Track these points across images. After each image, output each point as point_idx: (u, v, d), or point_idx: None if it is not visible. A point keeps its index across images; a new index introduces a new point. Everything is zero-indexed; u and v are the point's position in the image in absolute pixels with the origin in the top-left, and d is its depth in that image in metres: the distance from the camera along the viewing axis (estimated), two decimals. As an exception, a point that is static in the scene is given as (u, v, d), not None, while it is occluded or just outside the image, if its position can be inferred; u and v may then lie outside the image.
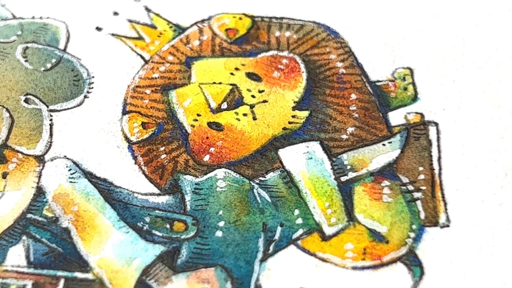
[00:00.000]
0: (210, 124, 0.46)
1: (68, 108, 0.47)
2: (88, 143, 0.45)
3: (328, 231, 0.41)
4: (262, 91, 0.48)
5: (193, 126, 0.46)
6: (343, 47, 0.50)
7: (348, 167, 0.44)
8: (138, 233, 0.41)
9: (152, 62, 0.50)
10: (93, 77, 0.49)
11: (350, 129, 0.46)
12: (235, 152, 0.45)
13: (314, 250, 0.41)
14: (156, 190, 0.43)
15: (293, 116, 0.47)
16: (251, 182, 0.43)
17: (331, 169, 0.44)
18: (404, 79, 0.48)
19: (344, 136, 0.46)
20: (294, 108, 0.47)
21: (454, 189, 0.43)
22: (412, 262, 0.40)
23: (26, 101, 0.47)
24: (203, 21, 0.52)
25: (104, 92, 0.48)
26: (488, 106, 0.47)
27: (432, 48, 0.50)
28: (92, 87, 0.48)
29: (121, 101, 0.47)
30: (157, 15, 0.53)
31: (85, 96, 0.48)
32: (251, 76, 0.49)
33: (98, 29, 0.52)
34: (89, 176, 0.44)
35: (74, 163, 0.44)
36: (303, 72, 0.49)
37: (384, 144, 0.45)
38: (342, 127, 0.46)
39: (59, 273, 0.40)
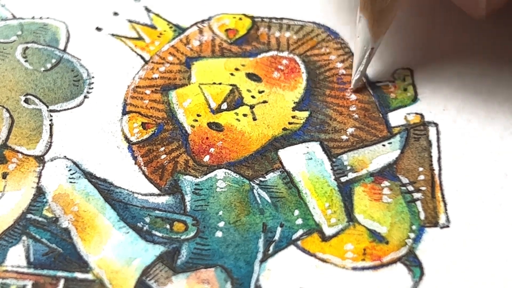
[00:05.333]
0: (210, 125, 0.46)
1: (68, 108, 0.47)
2: (88, 144, 0.45)
3: (328, 231, 0.41)
4: (262, 91, 0.48)
5: (193, 126, 0.46)
6: (343, 47, 0.50)
7: (348, 167, 0.44)
8: (138, 233, 0.41)
9: (152, 62, 0.50)
10: (93, 77, 0.49)
11: (350, 130, 0.46)
12: (235, 152, 0.45)
13: (314, 250, 0.41)
14: (156, 191, 0.43)
15: (293, 117, 0.47)
16: (251, 182, 0.43)
17: (331, 169, 0.44)
18: (404, 79, 0.48)
19: (344, 137, 0.46)
20: (294, 109, 0.47)
21: (454, 190, 0.43)
22: (412, 262, 0.40)
23: (26, 101, 0.47)
24: (203, 21, 0.52)
25: (104, 92, 0.48)
26: (488, 106, 0.47)
27: (432, 48, 0.50)
28: (92, 87, 0.48)
29: (121, 102, 0.47)
30: (157, 15, 0.53)
31: (85, 97, 0.48)
32: (251, 76, 0.49)
33: (98, 29, 0.52)
34: (89, 176, 0.44)
35: (74, 163, 0.44)
36: (303, 72, 0.49)
37: (384, 145, 0.45)
38: (342, 127, 0.46)
39: (59, 273, 0.40)
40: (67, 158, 0.44)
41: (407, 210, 0.42)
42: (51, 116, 0.47)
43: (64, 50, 0.50)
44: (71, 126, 0.46)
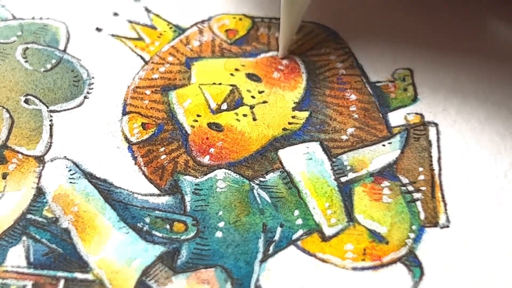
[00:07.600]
0: (210, 125, 0.46)
1: (68, 109, 0.47)
2: (88, 144, 0.45)
3: (328, 231, 0.41)
4: (262, 91, 0.48)
5: (193, 126, 0.46)
6: (343, 47, 0.50)
7: (348, 167, 0.44)
8: (138, 233, 0.41)
9: (152, 62, 0.50)
10: (93, 77, 0.49)
11: (350, 130, 0.46)
12: (235, 152, 0.45)
13: (314, 250, 0.41)
14: (156, 191, 0.43)
15: (293, 117, 0.47)
16: (251, 182, 0.43)
17: (331, 169, 0.44)
18: (404, 79, 0.48)
19: (344, 137, 0.46)
20: (294, 109, 0.47)
21: (454, 190, 0.43)
22: (412, 262, 0.40)
23: (26, 101, 0.47)
24: (203, 21, 0.52)
25: (104, 92, 0.48)
26: (488, 106, 0.47)
27: (432, 48, 0.50)
28: (92, 88, 0.48)
29: (121, 102, 0.47)
30: (157, 15, 0.53)
31: (85, 97, 0.48)
32: (251, 76, 0.49)
33: (98, 29, 0.52)
34: (89, 176, 0.44)
35: (74, 163, 0.44)
36: (303, 72, 0.49)
37: (384, 145, 0.45)
38: (342, 127, 0.46)
39: (59, 273, 0.40)
40: (67, 159, 0.44)
41: (407, 210, 0.42)
42: (51, 116, 0.47)
43: (64, 51, 0.50)
44: (71, 127, 0.46)
